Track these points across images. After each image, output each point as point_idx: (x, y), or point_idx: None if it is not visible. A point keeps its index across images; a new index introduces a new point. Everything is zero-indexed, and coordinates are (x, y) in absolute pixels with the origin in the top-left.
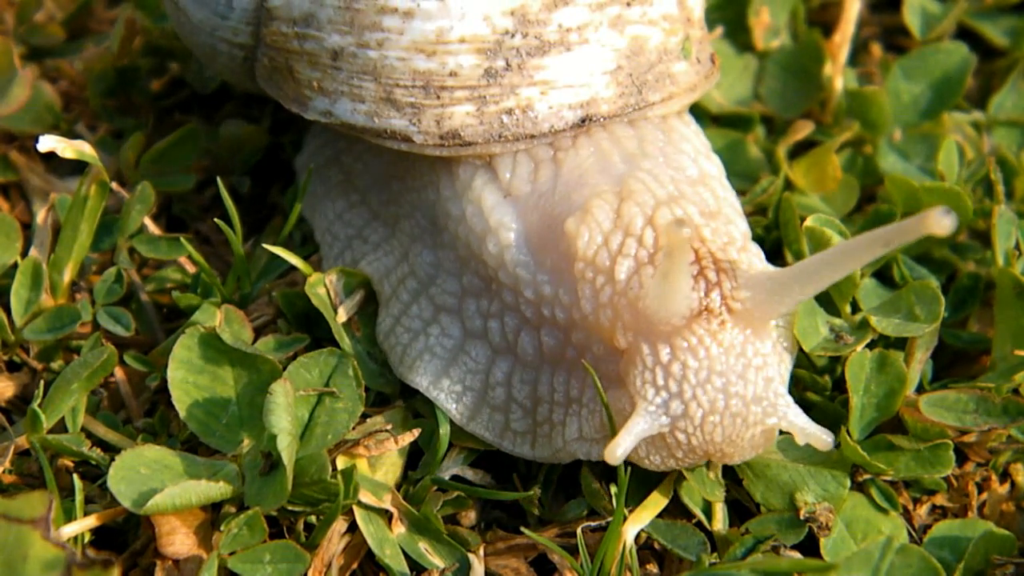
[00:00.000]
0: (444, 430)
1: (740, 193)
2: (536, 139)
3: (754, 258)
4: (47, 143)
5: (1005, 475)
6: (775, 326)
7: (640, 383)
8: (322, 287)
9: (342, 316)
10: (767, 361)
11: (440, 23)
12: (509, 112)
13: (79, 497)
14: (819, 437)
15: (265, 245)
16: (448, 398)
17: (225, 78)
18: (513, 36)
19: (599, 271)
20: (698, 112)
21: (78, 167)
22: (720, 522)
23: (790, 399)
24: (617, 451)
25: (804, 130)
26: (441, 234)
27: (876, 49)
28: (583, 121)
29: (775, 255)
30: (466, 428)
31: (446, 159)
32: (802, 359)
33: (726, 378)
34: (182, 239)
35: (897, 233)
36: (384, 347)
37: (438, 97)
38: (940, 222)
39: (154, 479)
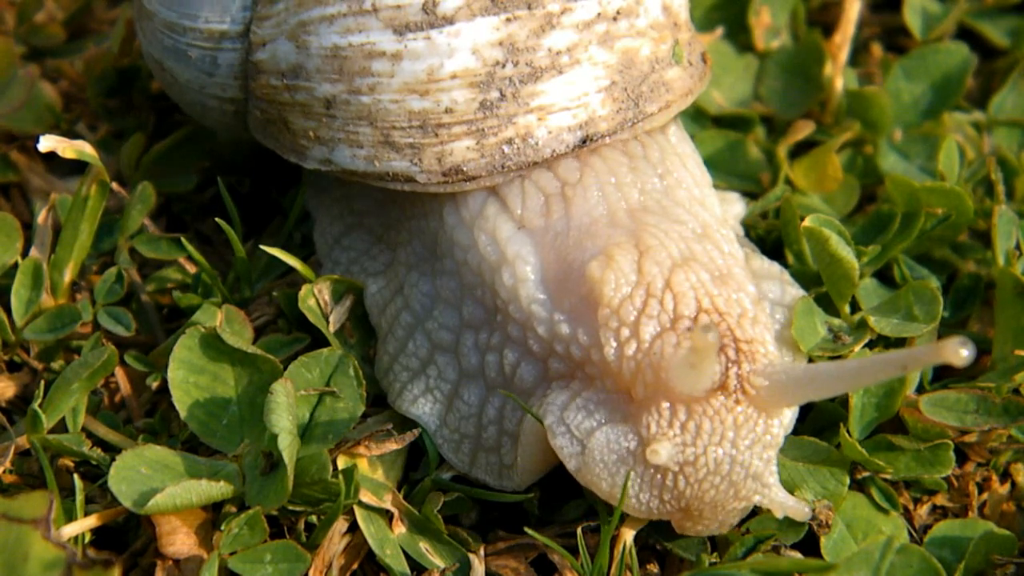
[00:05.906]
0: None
1: (743, 195)
2: (539, 165)
3: (766, 333)
4: (47, 143)
5: (1006, 475)
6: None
7: (655, 428)
8: (312, 299)
9: (333, 324)
10: (774, 440)
11: (430, 62)
12: (509, 142)
13: (79, 497)
14: (799, 511)
15: (264, 247)
16: (448, 448)
17: (220, 131)
18: (504, 66)
19: (623, 323)
20: (698, 114)
21: (78, 167)
22: None
23: (778, 477)
24: (663, 453)
25: (804, 130)
26: (442, 261)
27: (876, 49)
28: (584, 142)
29: (775, 255)
30: (469, 476)
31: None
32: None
33: (736, 448)
34: (182, 239)
35: (913, 359)
36: (382, 384)
37: (436, 135)
38: (958, 353)
39: (155, 479)
